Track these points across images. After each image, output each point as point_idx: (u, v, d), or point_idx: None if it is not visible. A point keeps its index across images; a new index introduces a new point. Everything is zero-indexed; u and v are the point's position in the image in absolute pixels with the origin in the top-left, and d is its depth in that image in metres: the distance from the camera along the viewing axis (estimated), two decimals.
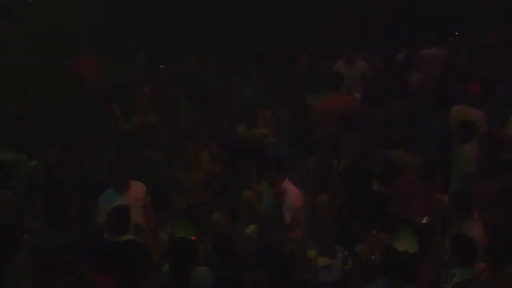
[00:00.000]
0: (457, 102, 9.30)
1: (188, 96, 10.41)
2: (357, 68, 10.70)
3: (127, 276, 6.26)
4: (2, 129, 9.16)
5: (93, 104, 9.97)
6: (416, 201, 7.52)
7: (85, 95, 10.14)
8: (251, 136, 9.43)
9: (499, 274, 6.01)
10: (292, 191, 7.49)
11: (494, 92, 9.84)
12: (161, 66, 11.14)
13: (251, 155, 8.55)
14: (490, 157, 8.34)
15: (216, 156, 8.72)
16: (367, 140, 8.96)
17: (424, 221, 7.35)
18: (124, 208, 6.60)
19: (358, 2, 13.21)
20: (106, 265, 6.28)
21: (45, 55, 11.00)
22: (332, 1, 13.13)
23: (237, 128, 9.55)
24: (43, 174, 8.15)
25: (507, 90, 9.90)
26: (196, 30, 12.64)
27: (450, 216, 7.05)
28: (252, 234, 7.11)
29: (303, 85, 10.75)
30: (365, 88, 10.60)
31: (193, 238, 6.85)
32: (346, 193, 7.88)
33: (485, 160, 8.22)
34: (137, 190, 7.36)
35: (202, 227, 7.35)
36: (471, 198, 6.99)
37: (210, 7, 12.88)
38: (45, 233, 7.28)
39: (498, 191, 7.57)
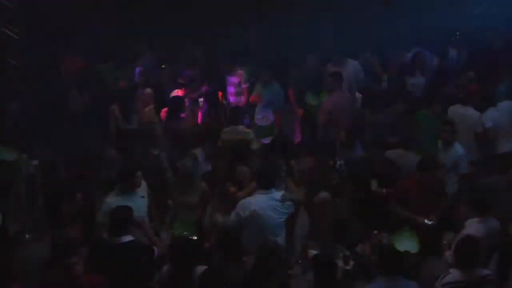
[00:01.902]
0: (455, 101, 9.33)
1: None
2: (349, 69, 10.69)
3: (126, 277, 6.26)
4: (2, 129, 9.17)
5: (94, 103, 9.98)
6: (420, 201, 7.50)
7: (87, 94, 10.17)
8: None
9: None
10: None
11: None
12: (162, 66, 11.18)
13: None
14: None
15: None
16: (368, 140, 8.99)
17: (428, 223, 7.33)
18: (125, 208, 6.59)
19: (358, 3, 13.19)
20: (105, 266, 6.28)
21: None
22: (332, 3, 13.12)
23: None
24: (43, 174, 8.14)
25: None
26: (198, 30, 12.65)
27: (460, 215, 7.03)
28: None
29: (306, 85, 10.75)
30: (362, 88, 10.60)
31: (194, 237, 6.92)
32: (346, 193, 7.87)
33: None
34: (142, 188, 7.36)
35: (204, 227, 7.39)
36: (484, 198, 6.95)
37: (213, 8, 12.89)
38: (45, 233, 7.27)
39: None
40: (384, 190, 7.76)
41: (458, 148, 8.32)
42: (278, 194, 7.14)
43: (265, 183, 7.16)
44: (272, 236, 6.96)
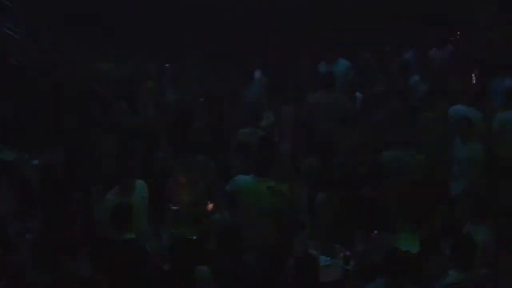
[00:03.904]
0: (456, 101, 9.30)
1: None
2: (339, 68, 10.68)
3: (127, 275, 6.25)
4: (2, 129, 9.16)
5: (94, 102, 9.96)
6: (421, 202, 7.47)
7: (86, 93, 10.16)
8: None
9: None
10: None
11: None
12: (166, 65, 11.21)
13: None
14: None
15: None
16: (365, 140, 8.96)
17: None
18: (126, 206, 6.59)
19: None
20: (106, 263, 6.29)
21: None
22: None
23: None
24: (43, 174, 8.13)
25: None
26: (197, 29, 12.66)
27: (460, 218, 7.00)
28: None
29: (305, 84, 10.74)
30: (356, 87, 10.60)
31: (194, 237, 6.92)
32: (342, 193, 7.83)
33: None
34: (141, 189, 7.36)
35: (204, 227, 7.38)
36: (485, 201, 6.92)
37: (210, 6, 12.89)
38: (45, 233, 7.26)
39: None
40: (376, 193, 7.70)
41: (476, 145, 8.34)
42: (269, 183, 7.13)
43: (258, 168, 7.18)
44: (261, 223, 6.95)
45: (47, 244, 6.42)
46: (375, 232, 6.93)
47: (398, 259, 6.01)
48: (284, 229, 7.08)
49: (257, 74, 11.09)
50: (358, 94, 10.40)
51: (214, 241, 6.92)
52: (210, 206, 7.81)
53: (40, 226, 7.12)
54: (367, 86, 10.49)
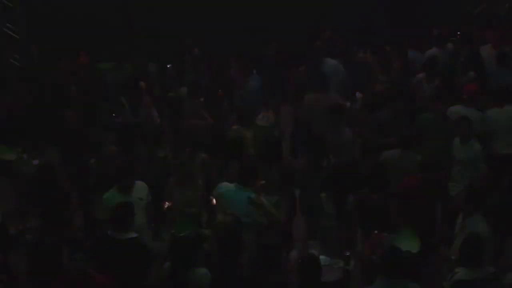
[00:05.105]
0: (455, 101, 9.29)
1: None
2: (327, 69, 10.70)
3: (128, 273, 6.26)
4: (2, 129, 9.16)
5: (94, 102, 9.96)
6: (421, 202, 7.46)
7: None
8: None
9: None
10: None
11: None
12: (168, 66, 11.22)
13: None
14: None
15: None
16: (364, 140, 8.95)
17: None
18: (128, 204, 6.59)
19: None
20: (108, 262, 6.28)
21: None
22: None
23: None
24: (43, 173, 8.13)
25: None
26: (197, 29, 12.66)
27: (461, 213, 7.00)
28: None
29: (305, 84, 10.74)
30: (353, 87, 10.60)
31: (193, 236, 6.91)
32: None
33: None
34: (140, 189, 7.35)
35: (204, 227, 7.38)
36: (484, 194, 6.94)
37: (211, 6, 12.90)
38: (45, 232, 7.27)
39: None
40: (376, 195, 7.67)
41: (475, 145, 8.32)
42: (250, 195, 7.05)
43: (241, 178, 7.15)
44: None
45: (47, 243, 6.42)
46: (375, 232, 6.92)
47: (398, 259, 6.01)
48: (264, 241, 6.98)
49: (254, 73, 11.07)
50: (358, 94, 10.38)
51: (213, 241, 6.93)
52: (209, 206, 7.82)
53: (40, 226, 7.13)
54: (367, 86, 10.48)
